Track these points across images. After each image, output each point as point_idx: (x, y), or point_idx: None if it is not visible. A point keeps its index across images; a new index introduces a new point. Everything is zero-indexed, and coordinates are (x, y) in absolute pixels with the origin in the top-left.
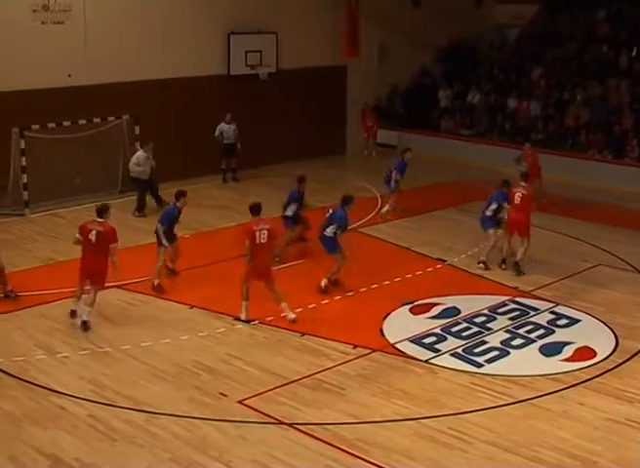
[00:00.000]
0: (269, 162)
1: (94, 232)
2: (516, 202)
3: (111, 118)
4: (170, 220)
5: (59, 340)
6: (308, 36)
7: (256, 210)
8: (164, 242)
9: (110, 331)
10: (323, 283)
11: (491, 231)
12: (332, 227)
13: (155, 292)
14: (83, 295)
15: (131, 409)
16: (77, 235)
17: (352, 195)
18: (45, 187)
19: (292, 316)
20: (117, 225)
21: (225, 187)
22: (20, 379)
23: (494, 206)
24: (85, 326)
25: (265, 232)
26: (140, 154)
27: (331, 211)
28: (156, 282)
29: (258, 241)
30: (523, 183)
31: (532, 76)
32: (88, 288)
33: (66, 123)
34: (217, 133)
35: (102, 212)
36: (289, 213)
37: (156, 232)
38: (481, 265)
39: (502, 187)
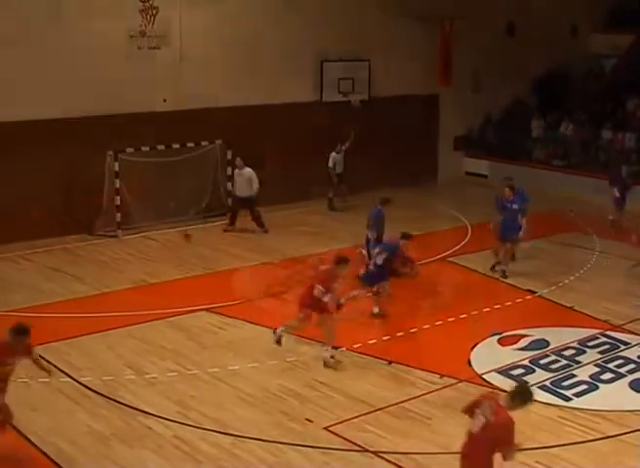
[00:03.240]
0: (359, 189)
1: None
2: None
3: (204, 143)
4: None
5: (147, 361)
6: (401, 64)
7: None
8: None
9: (198, 353)
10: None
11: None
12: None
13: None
14: None
15: (217, 431)
16: None
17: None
18: (138, 210)
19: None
20: (208, 249)
21: (320, 213)
22: (110, 399)
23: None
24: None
25: None
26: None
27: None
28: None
29: None
30: None
31: (627, 107)
32: None
33: (160, 147)
34: (330, 163)
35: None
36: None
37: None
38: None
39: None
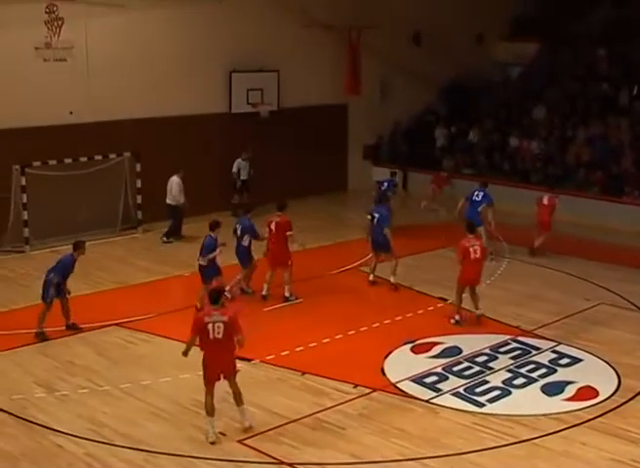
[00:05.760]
0: (269, 199)
1: (273, 223)
2: None
3: (113, 155)
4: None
5: (58, 378)
6: (310, 74)
7: (214, 297)
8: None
9: (110, 369)
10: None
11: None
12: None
13: None
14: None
15: (129, 447)
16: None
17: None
18: (46, 224)
19: (246, 424)
20: (118, 263)
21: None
22: (19, 417)
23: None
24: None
25: (221, 326)
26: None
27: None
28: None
29: (211, 336)
30: None
31: (533, 115)
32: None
33: (68, 160)
34: (234, 169)
35: (281, 208)
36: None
37: None
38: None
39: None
